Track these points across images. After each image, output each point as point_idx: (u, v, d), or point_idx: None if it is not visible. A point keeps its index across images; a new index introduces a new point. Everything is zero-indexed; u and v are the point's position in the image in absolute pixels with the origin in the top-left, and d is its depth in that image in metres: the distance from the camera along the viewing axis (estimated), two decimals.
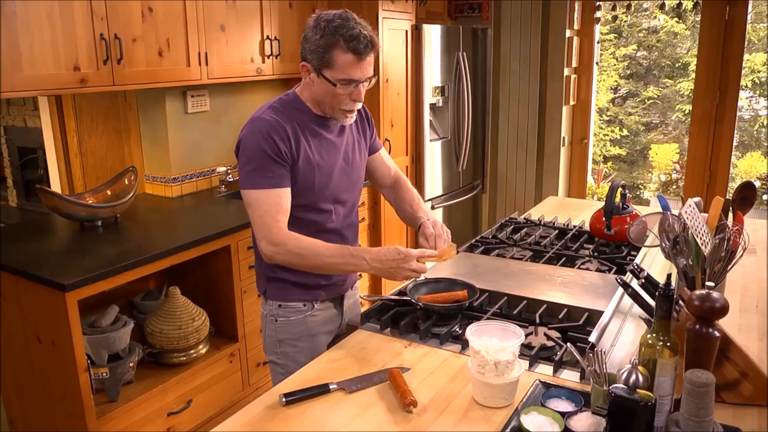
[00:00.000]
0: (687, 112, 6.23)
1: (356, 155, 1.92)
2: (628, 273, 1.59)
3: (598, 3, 4.62)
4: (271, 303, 1.89)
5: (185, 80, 2.98)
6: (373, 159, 2.06)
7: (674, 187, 7.00)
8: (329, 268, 1.76)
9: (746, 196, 1.82)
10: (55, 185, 4.05)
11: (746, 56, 5.72)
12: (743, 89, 6.47)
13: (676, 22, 7.08)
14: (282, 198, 1.71)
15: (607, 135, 7.63)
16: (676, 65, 7.50)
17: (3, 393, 2.69)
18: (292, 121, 1.74)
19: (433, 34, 4.07)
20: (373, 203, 3.92)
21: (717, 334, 1.20)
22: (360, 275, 2.07)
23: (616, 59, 7.66)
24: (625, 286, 1.53)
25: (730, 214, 1.83)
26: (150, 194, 3.44)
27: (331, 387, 1.46)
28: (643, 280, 1.45)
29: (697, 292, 1.21)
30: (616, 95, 7.94)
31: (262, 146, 1.68)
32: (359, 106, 1.78)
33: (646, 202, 7.25)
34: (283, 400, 1.41)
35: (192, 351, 2.79)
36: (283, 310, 1.87)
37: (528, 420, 1.28)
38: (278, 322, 1.89)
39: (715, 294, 1.19)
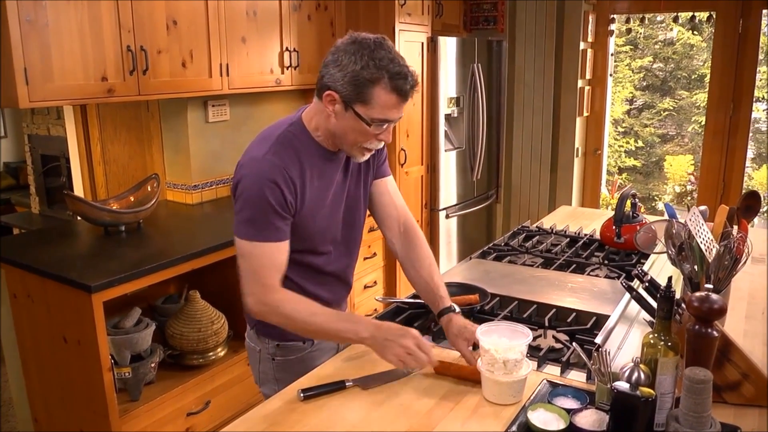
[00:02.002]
0: (703, 123, 6.27)
1: (360, 186, 1.74)
2: (634, 278, 1.65)
3: (612, 16, 4.67)
4: (266, 341, 1.74)
5: (207, 90, 3.08)
6: (377, 185, 1.79)
7: (689, 198, 6.99)
8: (321, 332, 1.59)
9: (750, 205, 1.87)
10: (78, 192, 4.15)
11: (763, 68, 5.74)
12: (760, 101, 6.47)
13: (693, 34, 7.11)
14: (280, 253, 1.55)
15: (622, 146, 7.65)
16: (693, 77, 7.51)
17: (28, 391, 2.78)
18: (299, 161, 1.55)
19: (448, 45, 4.15)
20: None
21: (715, 334, 1.25)
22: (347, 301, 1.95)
23: (632, 71, 7.69)
24: (630, 289, 1.58)
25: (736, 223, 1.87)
26: (171, 201, 3.53)
27: (347, 383, 1.53)
28: (646, 284, 1.50)
29: (697, 293, 1.26)
30: (632, 107, 7.96)
31: (265, 195, 1.49)
32: (382, 145, 1.62)
33: (661, 214, 7.25)
34: (301, 395, 1.48)
35: (211, 353, 2.86)
36: (281, 350, 1.73)
37: (535, 416, 1.33)
38: (275, 361, 1.75)
39: (714, 296, 1.25)
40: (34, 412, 2.79)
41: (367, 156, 1.62)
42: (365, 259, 3.82)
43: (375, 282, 3.97)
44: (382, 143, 1.59)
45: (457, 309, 1.69)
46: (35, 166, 4.92)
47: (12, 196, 5.54)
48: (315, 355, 1.76)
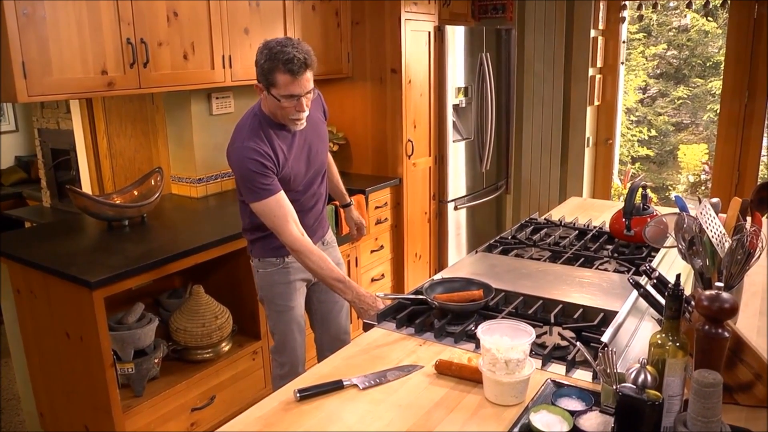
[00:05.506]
0: (718, 112, 6.16)
1: (319, 135, 2.33)
2: (642, 273, 1.59)
3: (623, 2, 4.58)
4: (254, 259, 2.37)
5: (209, 83, 3.04)
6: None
7: (703, 188, 6.88)
8: (323, 280, 2.15)
9: (764, 198, 1.80)
10: (86, 185, 4.15)
11: None
12: None
13: (707, 20, 6.97)
14: (281, 200, 2.10)
15: (635, 135, 7.54)
16: (708, 64, 7.37)
17: (33, 387, 2.77)
18: (269, 137, 2.11)
19: (456, 35, 4.08)
20: (396, 204, 3.94)
21: (726, 334, 1.19)
22: (329, 229, 2.55)
23: (645, 58, 7.56)
24: (637, 285, 1.53)
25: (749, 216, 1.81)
26: (176, 194, 3.51)
27: (344, 383, 1.49)
28: (654, 281, 1.45)
29: (707, 292, 1.21)
30: (645, 95, 7.84)
31: (252, 169, 2.05)
32: (305, 114, 2.12)
33: (674, 204, 7.11)
34: (298, 395, 1.44)
35: (215, 348, 2.84)
36: (262, 263, 2.34)
37: (537, 418, 1.29)
38: (259, 273, 2.36)
39: (724, 294, 1.19)
40: (39, 407, 2.79)
41: (300, 125, 2.14)
42: (372, 252, 3.78)
43: (382, 275, 3.93)
44: (303, 113, 2.09)
45: (353, 203, 2.79)
46: (46, 160, 4.93)
47: (24, 190, 5.56)
48: (288, 270, 2.33)
